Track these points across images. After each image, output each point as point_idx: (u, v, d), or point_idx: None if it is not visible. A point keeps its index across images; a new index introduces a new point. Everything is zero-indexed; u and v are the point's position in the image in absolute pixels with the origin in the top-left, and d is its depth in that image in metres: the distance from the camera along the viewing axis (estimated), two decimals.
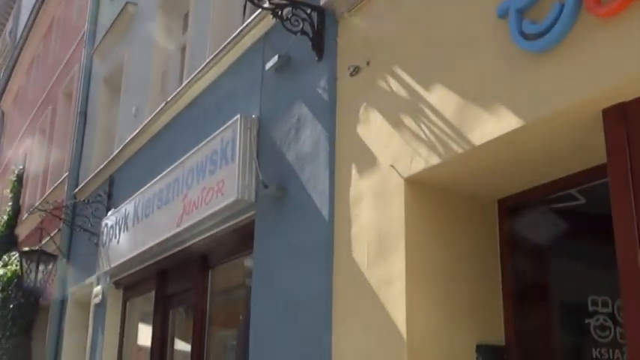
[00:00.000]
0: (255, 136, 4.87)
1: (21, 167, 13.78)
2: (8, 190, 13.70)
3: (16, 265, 10.67)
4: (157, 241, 6.28)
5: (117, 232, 7.45)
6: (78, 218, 8.09)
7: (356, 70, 3.89)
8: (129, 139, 7.83)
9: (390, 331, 3.26)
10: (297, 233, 4.24)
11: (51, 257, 7.81)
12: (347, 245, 3.72)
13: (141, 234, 6.77)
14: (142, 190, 6.84)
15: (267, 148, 4.79)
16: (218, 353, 5.84)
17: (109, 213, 7.87)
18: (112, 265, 7.45)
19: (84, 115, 9.98)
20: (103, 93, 9.61)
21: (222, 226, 5.25)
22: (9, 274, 10.79)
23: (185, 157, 5.78)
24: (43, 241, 8.55)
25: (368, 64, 3.83)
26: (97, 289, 7.97)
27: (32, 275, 7.57)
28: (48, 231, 8.03)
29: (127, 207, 7.24)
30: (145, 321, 7.51)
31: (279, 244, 4.44)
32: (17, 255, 11.06)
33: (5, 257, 11.67)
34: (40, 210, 7.88)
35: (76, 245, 8.37)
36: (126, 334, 7.57)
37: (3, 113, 18.47)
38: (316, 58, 4.29)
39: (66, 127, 11.46)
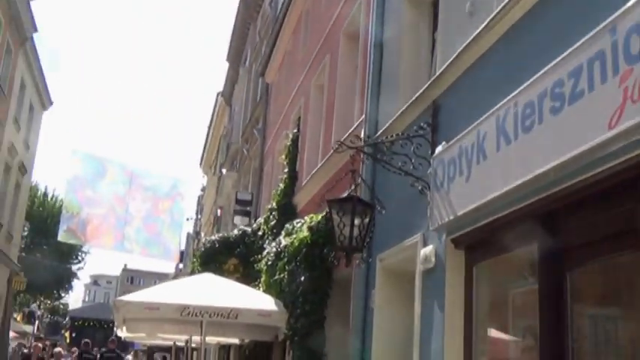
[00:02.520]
0: None
1: (295, 131, 12.44)
2: (283, 157, 12.42)
3: (305, 233, 9.16)
4: (548, 166, 4.05)
5: (457, 172, 5.34)
6: (395, 159, 6.13)
7: None
8: (460, 49, 5.71)
9: None
10: None
11: (367, 207, 5.91)
12: None
13: (503, 167, 4.59)
14: (504, 101, 4.66)
15: None
16: None
17: (440, 148, 5.81)
18: (452, 217, 5.37)
19: (379, 46, 8.11)
20: (407, 10, 7.62)
21: None
22: (296, 243, 9.29)
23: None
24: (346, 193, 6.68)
25: None
26: (427, 250, 5.93)
27: (346, 231, 5.72)
28: (353, 180, 6.14)
29: (472, 136, 5.11)
30: (502, 295, 5.32)
31: None
32: (302, 223, 9.58)
33: (288, 226, 10.26)
34: (348, 147, 6.01)
35: (388, 195, 6.44)
36: (475, 313, 5.42)
37: (268, 86, 17.61)
38: None
39: (351, 71, 9.75)
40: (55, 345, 31.26)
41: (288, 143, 12.35)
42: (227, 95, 28.11)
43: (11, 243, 27.00)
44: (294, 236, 9.55)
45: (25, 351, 27.92)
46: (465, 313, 5.52)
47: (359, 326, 7.50)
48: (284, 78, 15.65)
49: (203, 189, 45.87)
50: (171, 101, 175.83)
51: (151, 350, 31.31)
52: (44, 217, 47.59)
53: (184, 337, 12.99)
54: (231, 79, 26.41)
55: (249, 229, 13.04)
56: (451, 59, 5.90)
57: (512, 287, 5.16)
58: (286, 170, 12.17)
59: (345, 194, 6.23)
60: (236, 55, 24.75)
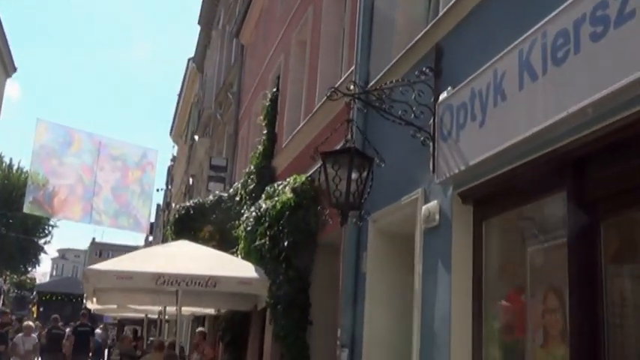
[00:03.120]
0: None
1: (274, 90, 11.78)
2: (261, 117, 11.78)
3: (288, 195, 8.59)
4: (586, 102, 3.52)
5: (469, 117, 4.79)
6: (395, 107, 5.55)
7: None
8: None
9: None
10: None
11: (365, 160, 5.32)
12: None
13: (528, 107, 4.05)
14: (528, 33, 4.10)
15: None
16: None
17: (446, 93, 5.26)
18: (463, 168, 4.83)
19: None
20: None
21: None
22: (278, 206, 8.72)
23: None
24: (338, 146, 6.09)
25: None
26: (430, 206, 5.39)
27: (342, 186, 5.14)
28: (347, 132, 5.52)
29: (487, 76, 4.56)
30: (517, 253, 4.81)
31: None
32: (284, 184, 9.01)
33: (268, 189, 9.68)
34: (344, 94, 5.40)
35: (383, 149, 5.86)
36: (485, 274, 4.91)
37: (243, 47, 16.89)
38: None
39: (337, 22, 9.13)
40: (21, 320, 30.45)
41: (267, 104, 11.71)
42: (199, 61, 27.23)
43: None
44: (276, 199, 8.98)
45: None
46: (473, 274, 5.01)
47: (349, 292, 6.97)
48: (261, 37, 14.94)
49: (173, 159, 44.97)
50: (139, 68, 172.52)
51: (122, 323, 30.61)
52: (9, 190, 46.33)
53: (158, 309, 12.42)
54: (203, 44, 25.56)
55: (225, 195, 12.43)
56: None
57: (530, 244, 4.64)
58: (265, 132, 11.54)
59: (337, 147, 5.65)
60: (208, 17, 23.88)
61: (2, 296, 48.67)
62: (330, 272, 7.97)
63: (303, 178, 8.55)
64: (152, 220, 41.17)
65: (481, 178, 4.79)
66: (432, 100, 5.50)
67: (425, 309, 5.39)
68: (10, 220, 47.38)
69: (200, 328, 12.79)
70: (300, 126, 9.59)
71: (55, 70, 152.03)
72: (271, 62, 12.69)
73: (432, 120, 5.44)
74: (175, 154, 43.63)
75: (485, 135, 4.57)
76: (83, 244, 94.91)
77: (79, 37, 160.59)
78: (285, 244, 8.37)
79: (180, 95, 37.39)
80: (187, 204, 12.69)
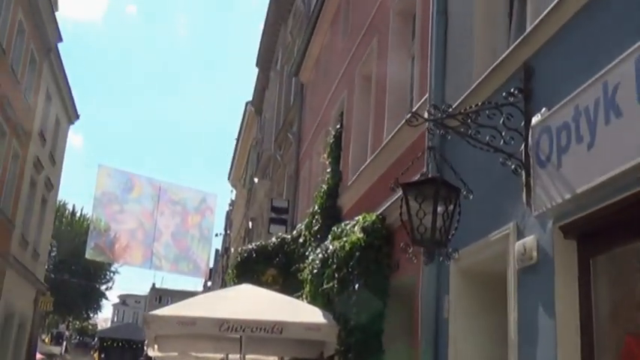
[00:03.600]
0: None
1: (338, 127, 11.36)
2: (325, 156, 11.34)
3: (358, 235, 8.06)
4: None
5: (574, 139, 4.21)
6: (481, 133, 5.00)
7: None
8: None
9: None
10: None
11: (452, 191, 4.77)
12: None
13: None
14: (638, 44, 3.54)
15: None
16: None
17: (539, 115, 4.70)
18: (568, 196, 4.23)
19: (443, 13, 7.03)
20: None
21: None
22: (347, 247, 8.19)
23: None
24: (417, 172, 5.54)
25: None
26: (526, 243, 4.78)
27: (428, 220, 4.59)
28: (430, 159, 4.98)
29: (595, 90, 3.99)
30: (628, 295, 4.16)
31: None
32: (353, 224, 8.50)
33: (335, 229, 9.16)
34: (425, 119, 4.88)
35: (472, 177, 5.28)
36: (595, 318, 4.25)
37: (302, 86, 16.61)
38: None
39: (405, 51, 8.69)
40: None
41: (331, 141, 11.28)
42: (257, 103, 27.20)
43: (38, 261, 26.23)
44: (345, 239, 8.45)
45: None
46: (581, 320, 4.35)
47: (429, 340, 6.34)
48: (321, 74, 14.62)
49: (231, 204, 44.99)
50: (197, 113, 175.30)
51: None
52: (72, 237, 47.02)
53: (220, 356, 11.91)
54: (261, 86, 25.50)
55: (288, 237, 11.97)
56: (548, 10, 4.79)
57: None
58: (329, 170, 11.08)
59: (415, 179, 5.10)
60: (266, 58, 23.83)
61: (65, 342, 49.07)
62: (406, 317, 7.36)
63: (374, 217, 8.02)
64: (211, 265, 41.09)
65: (588, 209, 4.18)
66: (523, 123, 4.94)
67: None
68: (73, 267, 48.03)
69: None
70: (368, 162, 9.10)
71: (115, 118, 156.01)
72: (333, 98, 12.31)
73: (523, 145, 4.88)
74: (233, 199, 43.66)
75: (595, 158, 3.98)
76: (143, 290, 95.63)
77: (137, 85, 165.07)
78: (356, 286, 7.81)
79: (238, 139, 37.47)
80: (249, 246, 12.27)
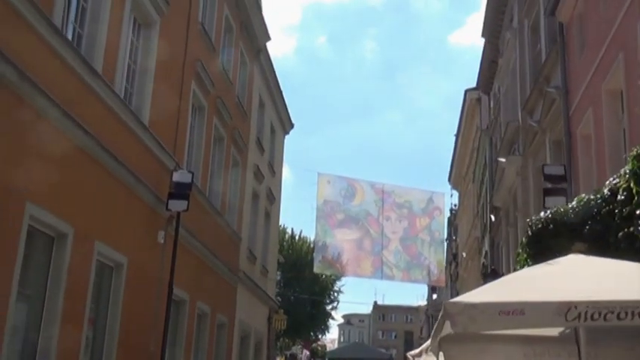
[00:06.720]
0: None
1: None
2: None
3: None
4: None
5: None
6: None
7: None
8: None
9: None
10: None
11: None
12: None
13: None
14: None
15: None
16: None
17: None
18: None
19: None
20: None
21: None
22: None
23: None
24: None
25: None
26: None
27: None
28: None
29: None
30: None
31: None
32: None
33: None
34: None
35: None
36: None
37: (561, 27, 13.34)
38: None
39: None
40: None
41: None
42: (484, 81, 24.06)
43: (267, 277, 24.94)
44: None
45: None
46: None
47: None
48: (592, 5, 11.34)
49: (451, 210, 41.90)
50: (410, 110, 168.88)
51: None
52: (293, 259, 46.56)
53: None
54: (489, 59, 22.38)
55: (594, 197, 8.77)
56: None
57: None
58: None
59: None
60: (495, 22, 20.74)
61: None
62: None
63: None
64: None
65: None
66: None
67: None
68: (297, 289, 47.55)
69: None
70: None
71: (319, 145, 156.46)
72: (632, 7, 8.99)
73: None
74: (456, 203, 40.58)
75: None
76: (365, 309, 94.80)
77: (337, 111, 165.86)
78: None
79: (457, 135, 34.44)
80: (543, 215, 9.23)
